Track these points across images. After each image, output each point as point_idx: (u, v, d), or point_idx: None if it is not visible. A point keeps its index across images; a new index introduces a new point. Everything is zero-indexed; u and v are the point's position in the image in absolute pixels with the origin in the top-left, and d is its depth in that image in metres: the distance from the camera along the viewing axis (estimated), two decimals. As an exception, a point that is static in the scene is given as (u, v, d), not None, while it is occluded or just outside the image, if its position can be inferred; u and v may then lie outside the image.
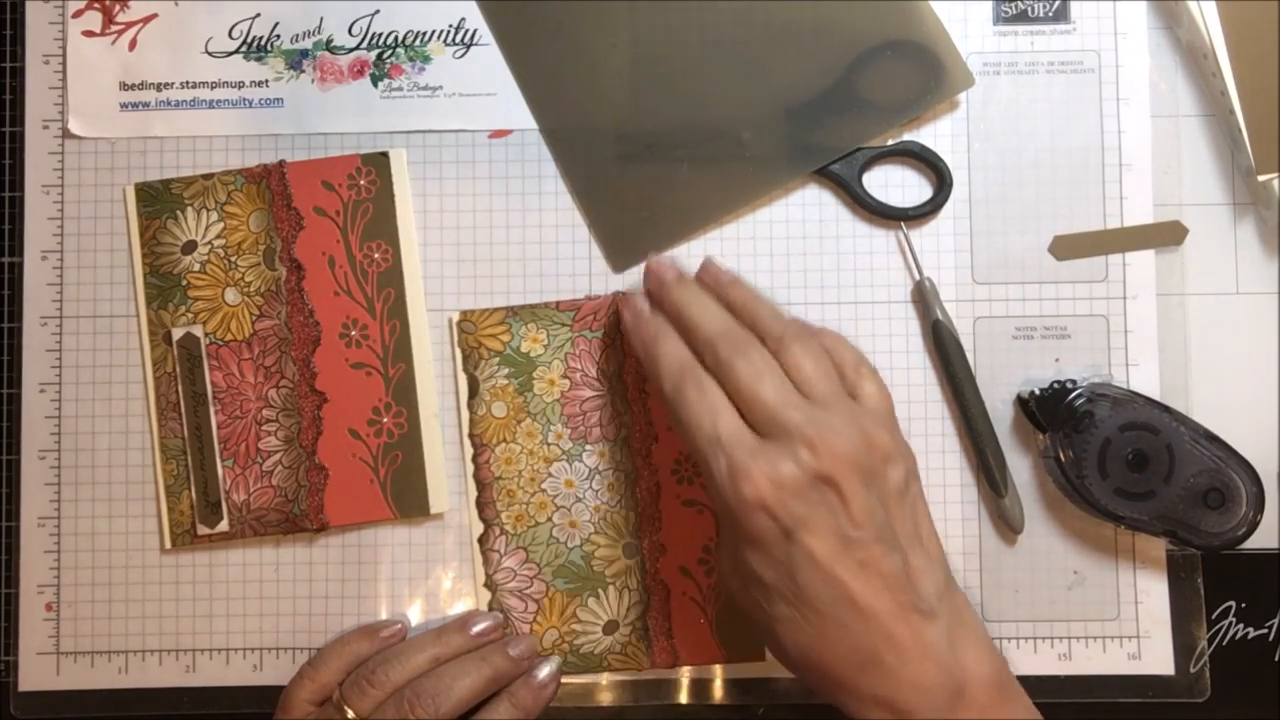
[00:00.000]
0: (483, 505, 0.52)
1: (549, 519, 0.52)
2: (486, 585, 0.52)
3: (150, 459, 0.54)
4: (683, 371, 0.44)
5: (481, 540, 0.52)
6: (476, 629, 0.50)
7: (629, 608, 0.52)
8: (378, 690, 0.47)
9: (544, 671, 0.50)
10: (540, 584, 0.52)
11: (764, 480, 0.40)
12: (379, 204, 0.54)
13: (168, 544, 0.53)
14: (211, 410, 0.53)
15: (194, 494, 0.53)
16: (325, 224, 0.53)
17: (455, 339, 0.53)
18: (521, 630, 0.52)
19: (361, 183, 0.54)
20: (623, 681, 0.53)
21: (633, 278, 0.54)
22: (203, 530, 0.53)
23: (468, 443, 0.53)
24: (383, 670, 0.48)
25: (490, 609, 0.52)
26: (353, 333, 0.53)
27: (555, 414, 0.52)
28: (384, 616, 0.53)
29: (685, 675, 0.53)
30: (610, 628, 0.52)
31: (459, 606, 0.53)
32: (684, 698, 0.53)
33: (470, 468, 0.52)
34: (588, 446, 0.52)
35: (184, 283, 0.54)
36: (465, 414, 0.53)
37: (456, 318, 0.53)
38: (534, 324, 0.52)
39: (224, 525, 0.53)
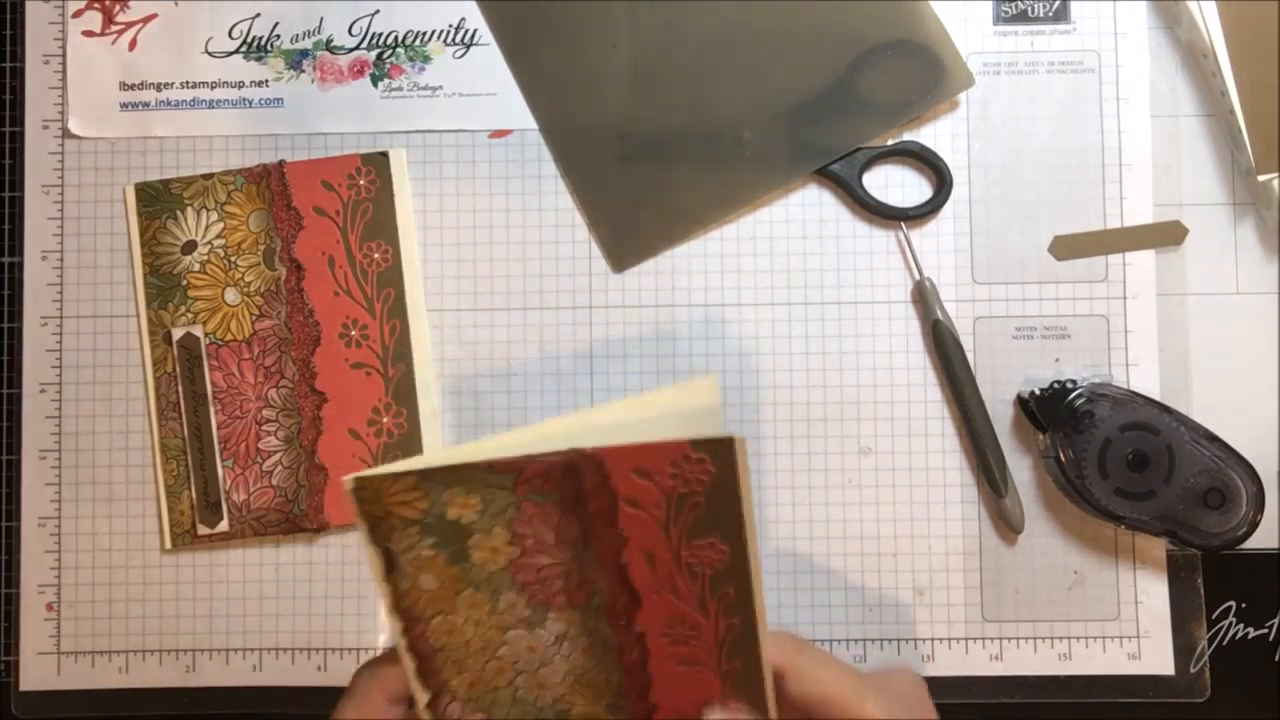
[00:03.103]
0: (426, 675, 0.42)
1: (510, 683, 0.43)
2: None
3: (150, 459, 0.54)
4: None
5: (431, 706, 0.42)
6: None
7: None
8: None
9: None
10: None
11: None
12: (379, 204, 0.54)
13: (168, 544, 0.53)
14: (211, 410, 0.53)
15: (194, 494, 0.53)
16: (325, 224, 0.54)
17: (356, 509, 0.41)
18: None
19: (361, 182, 0.54)
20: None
21: (633, 277, 0.54)
22: (203, 530, 0.53)
23: (394, 618, 0.41)
24: None
25: None
26: (352, 333, 0.53)
27: (504, 582, 0.42)
28: (384, 617, 0.53)
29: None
30: None
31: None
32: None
33: (403, 641, 0.42)
34: (551, 613, 0.42)
35: (184, 283, 0.54)
36: (385, 587, 0.41)
37: (350, 485, 0.40)
38: (460, 488, 0.41)
39: (224, 525, 0.53)
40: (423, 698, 0.42)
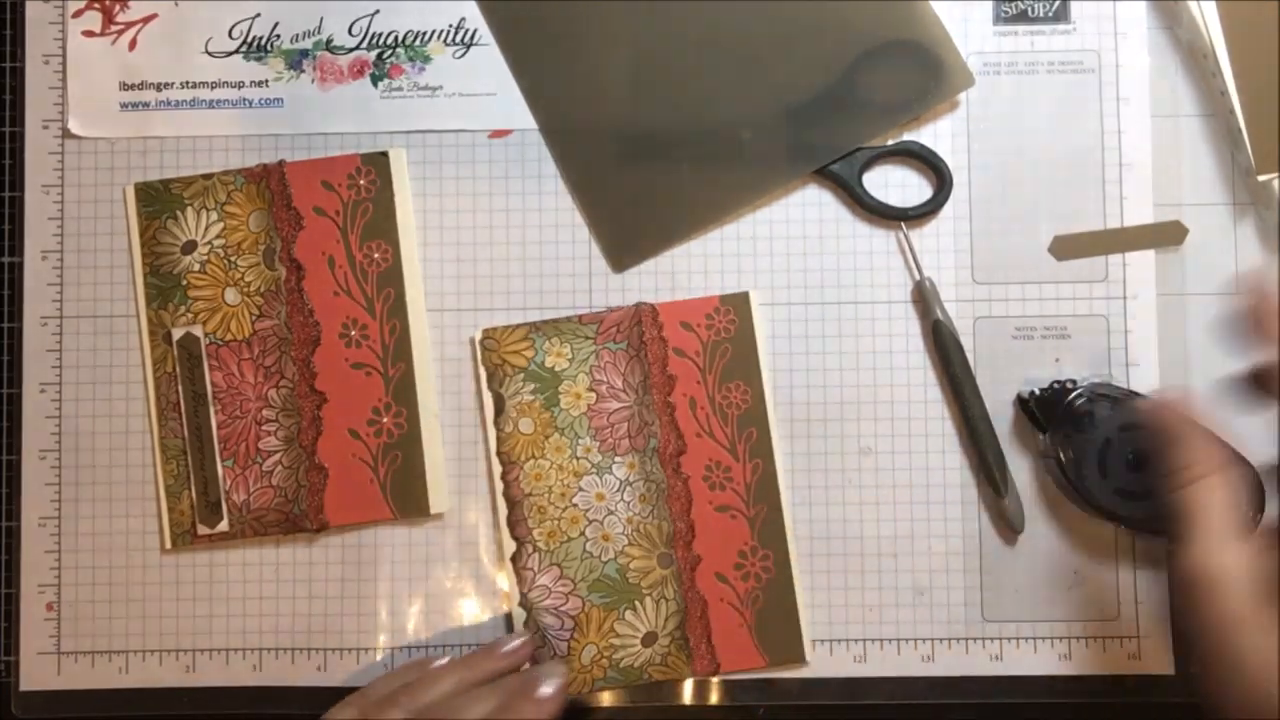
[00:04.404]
0: (514, 523, 0.52)
1: (581, 533, 0.52)
2: (521, 604, 0.52)
3: (150, 459, 0.54)
4: None
5: (514, 559, 0.52)
6: (506, 649, 0.50)
7: (667, 618, 0.52)
8: (399, 712, 0.46)
9: (545, 688, 0.47)
10: (576, 600, 0.52)
11: None
12: (379, 204, 0.54)
13: (168, 544, 0.53)
14: (211, 410, 0.53)
15: (194, 494, 0.53)
16: (325, 224, 0.54)
17: (479, 357, 0.53)
18: (559, 648, 0.52)
19: (361, 182, 0.54)
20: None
21: (633, 277, 0.54)
22: (203, 530, 0.53)
23: (495, 460, 0.52)
24: (408, 694, 0.47)
25: (526, 627, 0.52)
26: (352, 332, 0.53)
27: (583, 427, 0.52)
28: (384, 617, 0.53)
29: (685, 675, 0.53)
30: (649, 639, 0.52)
31: (461, 606, 0.53)
32: (685, 698, 0.53)
33: (500, 485, 0.52)
34: (617, 459, 0.52)
35: (184, 283, 0.54)
36: (492, 431, 0.52)
37: (479, 335, 0.53)
38: (557, 339, 0.52)
39: (224, 525, 0.53)
40: (510, 547, 0.52)
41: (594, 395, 0.52)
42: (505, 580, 0.52)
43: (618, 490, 0.52)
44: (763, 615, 0.52)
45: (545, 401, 0.52)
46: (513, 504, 0.52)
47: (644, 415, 0.52)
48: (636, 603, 0.52)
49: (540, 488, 0.52)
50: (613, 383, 0.52)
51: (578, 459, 0.52)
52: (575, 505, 0.52)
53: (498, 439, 0.52)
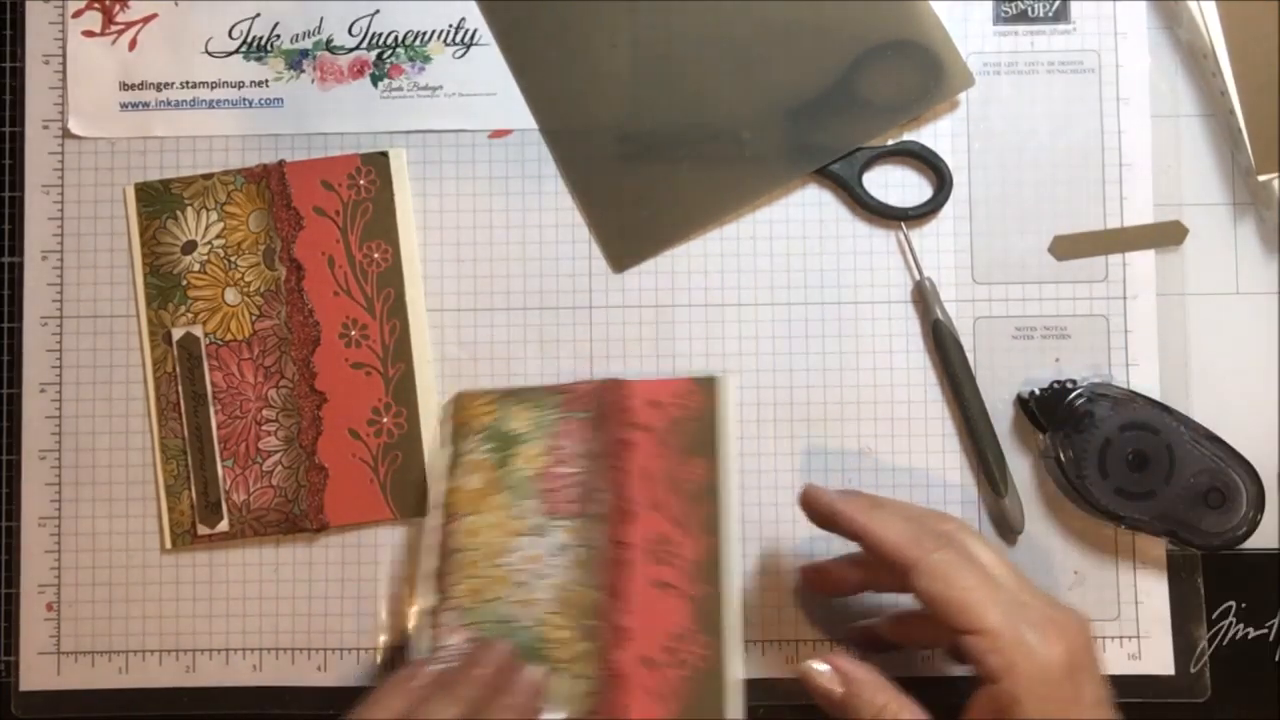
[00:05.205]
0: (439, 575, 0.49)
1: (504, 596, 0.48)
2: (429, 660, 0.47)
3: (150, 459, 0.54)
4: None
5: (431, 612, 0.49)
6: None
7: (580, 697, 0.46)
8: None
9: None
10: (506, 651, 0.47)
11: None
12: (379, 204, 0.54)
13: (168, 544, 0.53)
14: (211, 410, 0.53)
15: (194, 494, 0.53)
16: (325, 224, 0.54)
17: (451, 414, 0.52)
18: None
19: (361, 183, 0.54)
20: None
21: (633, 277, 0.54)
22: (203, 530, 0.53)
23: (439, 513, 0.50)
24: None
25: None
26: (352, 332, 0.53)
27: (530, 488, 0.50)
28: (384, 617, 0.53)
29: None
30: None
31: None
32: (684, 698, 0.53)
33: (437, 537, 0.50)
34: (558, 521, 0.49)
35: (184, 283, 0.54)
36: (442, 485, 0.51)
37: (453, 396, 0.52)
38: (524, 405, 0.51)
39: (224, 525, 0.53)
40: (430, 601, 0.49)
41: (549, 459, 0.50)
42: (416, 633, 0.49)
43: (553, 554, 0.49)
44: (689, 710, 0.46)
45: (499, 460, 0.50)
46: (443, 556, 0.49)
47: (595, 481, 0.50)
48: (550, 676, 0.47)
49: (473, 544, 0.49)
50: (570, 448, 0.50)
51: (517, 519, 0.49)
52: (506, 565, 0.49)
53: (446, 492, 0.50)
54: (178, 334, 0.54)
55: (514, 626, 0.48)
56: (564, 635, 0.47)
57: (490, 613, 0.48)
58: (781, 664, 0.52)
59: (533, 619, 0.48)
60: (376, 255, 0.54)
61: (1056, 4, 0.54)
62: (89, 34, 0.55)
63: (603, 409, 0.50)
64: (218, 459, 0.53)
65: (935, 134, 0.54)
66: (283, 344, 0.53)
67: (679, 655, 0.47)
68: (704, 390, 0.51)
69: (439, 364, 0.54)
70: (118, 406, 0.54)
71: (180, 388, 0.53)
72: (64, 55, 0.55)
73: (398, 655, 0.53)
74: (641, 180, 0.53)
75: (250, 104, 0.54)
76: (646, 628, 0.47)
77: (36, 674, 0.53)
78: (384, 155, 0.54)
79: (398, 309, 0.53)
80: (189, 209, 0.54)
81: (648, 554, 0.48)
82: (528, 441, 0.50)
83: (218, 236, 0.54)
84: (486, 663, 0.45)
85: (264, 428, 0.53)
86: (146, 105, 0.55)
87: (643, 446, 0.50)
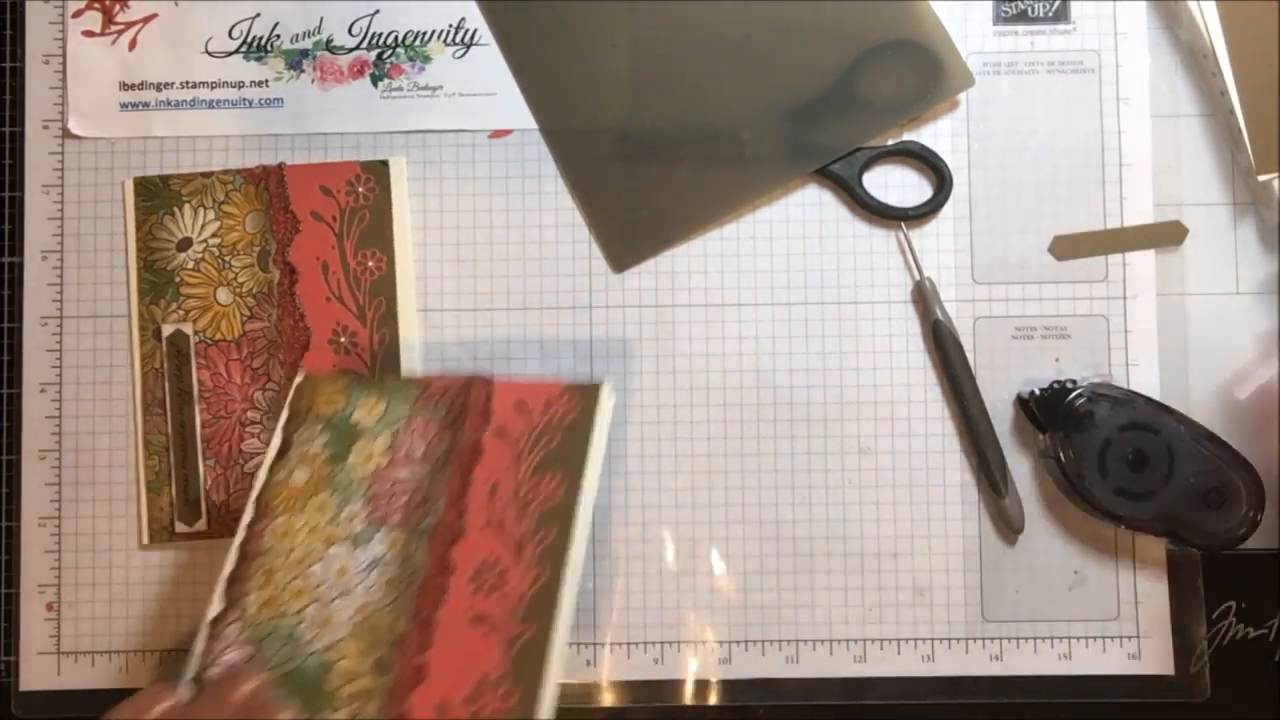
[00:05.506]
0: (234, 581, 0.43)
1: (298, 612, 0.43)
2: (195, 679, 0.42)
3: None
4: None
5: (214, 622, 0.43)
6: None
7: None
8: None
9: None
10: (254, 690, 0.42)
11: None
12: (376, 212, 0.54)
13: (145, 539, 0.53)
14: (197, 409, 0.53)
15: (174, 491, 0.53)
16: (321, 229, 0.53)
17: (290, 399, 0.47)
18: None
19: (360, 190, 0.54)
20: (622, 682, 0.53)
21: (633, 277, 0.54)
22: (181, 528, 0.53)
23: (250, 508, 0.45)
24: None
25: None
26: (342, 339, 0.53)
27: (359, 490, 0.45)
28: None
29: (685, 675, 0.53)
30: None
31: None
32: (685, 698, 0.53)
33: (241, 536, 0.44)
34: (381, 531, 0.44)
35: (177, 279, 0.54)
36: (262, 477, 0.45)
37: (299, 379, 0.47)
38: (375, 395, 0.46)
39: (202, 524, 0.53)
40: (216, 609, 0.43)
41: (386, 460, 0.45)
42: (196, 642, 0.44)
43: (365, 569, 0.43)
44: None
45: (333, 455, 0.45)
46: (243, 560, 0.44)
47: (431, 490, 0.44)
48: (327, 714, 0.41)
49: (280, 548, 0.44)
50: (413, 449, 0.45)
51: (337, 524, 0.44)
52: (306, 577, 0.43)
53: (264, 486, 0.45)
54: (168, 330, 0.54)
55: (301, 649, 0.42)
56: (353, 666, 0.42)
57: (278, 630, 0.42)
58: (782, 664, 0.52)
59: (325, 643, 0.42)
60: (371, 263, 0.53)
61: (1056, 4, 0.54)
62: (89, 34, 0.55)
63: (461, 408, 0.45)
64: (200, 457, 0.53)
65: (935, 134, 0.54)
66: (272, 346, 0.53)
67: (480, 705, 0.41)
68: (580, 398, 0.46)
69: (439, 365, 0.54)
70: (118, 406, 0.54)
71: (167, 384, 0.53)
72: (64, 55, 0.55)
73: (179, 661, 0.45)
74: (641, 180, 0.53)
75: (250, 104, 0.54)
76: (449, 670, 0.41)
77: (36, 674, 0.53)
78: (384, 164, 0.54)
79: (388, 318, 0.53)
80: (186, 206, 0.54)
81: (471, 580, 0.42)
82: (369, 437, 0.45)
83: (214, 235, 0.54)
84: (232, 700, 0.40)
85: (248, 429, 0.53)
86: (146, 105, 0.55)
87: (495, 454, 0.45)
